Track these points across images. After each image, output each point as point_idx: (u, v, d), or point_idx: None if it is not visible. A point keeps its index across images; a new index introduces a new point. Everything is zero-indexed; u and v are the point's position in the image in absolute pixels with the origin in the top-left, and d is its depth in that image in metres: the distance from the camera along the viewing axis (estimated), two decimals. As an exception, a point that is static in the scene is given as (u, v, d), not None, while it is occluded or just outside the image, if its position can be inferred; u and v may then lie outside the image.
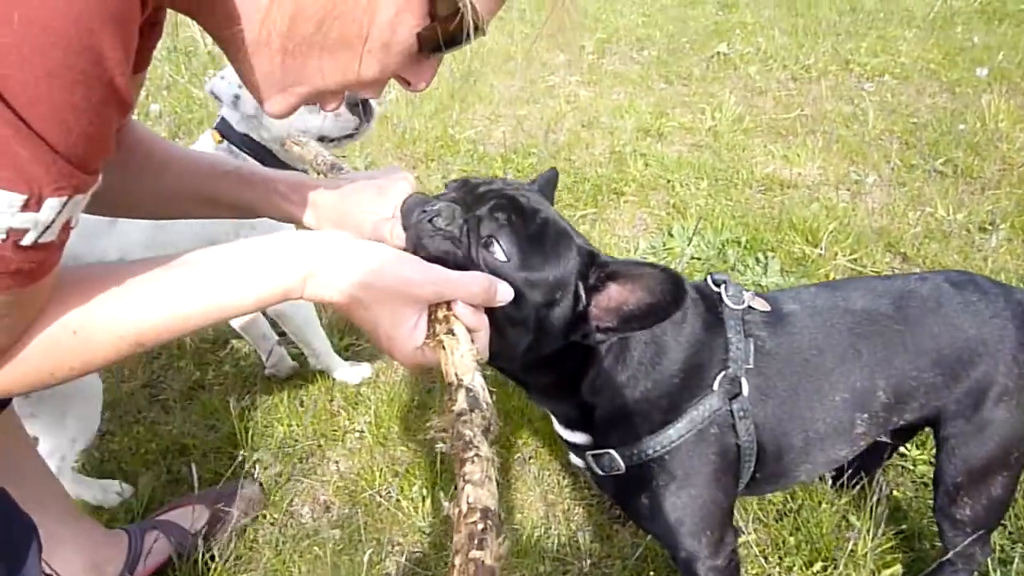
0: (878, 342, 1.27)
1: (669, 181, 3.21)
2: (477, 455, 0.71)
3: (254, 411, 2.01)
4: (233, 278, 0.82)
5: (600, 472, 1.24)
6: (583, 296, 1.05)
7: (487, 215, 1.00)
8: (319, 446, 1.91)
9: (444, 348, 0.85)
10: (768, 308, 1.29)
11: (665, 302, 0.99)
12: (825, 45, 5.07)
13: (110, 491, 1.78)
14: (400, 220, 1.04)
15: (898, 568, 1.57)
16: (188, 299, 0.81)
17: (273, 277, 0.83)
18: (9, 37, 0.53)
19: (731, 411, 1.19)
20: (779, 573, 1.57)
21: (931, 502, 1.68)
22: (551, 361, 1.12)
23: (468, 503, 0.65)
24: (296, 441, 1.91)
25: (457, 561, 0.61)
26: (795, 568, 1.57)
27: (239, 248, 0.85)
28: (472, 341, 0.88)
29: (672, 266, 2.57)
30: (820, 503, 1.69)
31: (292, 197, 1.15)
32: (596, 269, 1.06)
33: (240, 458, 1.83)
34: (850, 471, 1.66)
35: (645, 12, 6.03)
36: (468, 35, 0.79)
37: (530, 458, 1.85)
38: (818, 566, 1.56)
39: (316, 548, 1.62)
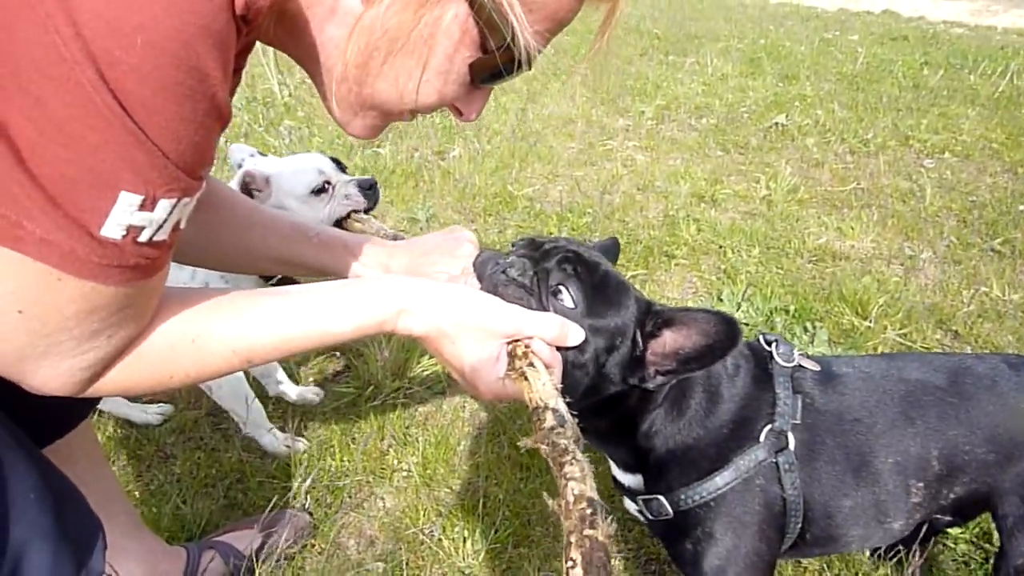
0: (931, 412, 1.29)
1: (721, 247, 3.26)
2: (574, 458, 0.82)
3: (310, 444, 2.11)
4: (336, 308, 0.94)
5: (650, 516, 1.31)
6: (640, 342, 1.14)
7: (555, 267, 1.11)
8: (368, 482, 1.99)
9: (527, 379, 0.95)
10: (817, 367, 1.34)
11: (720, 342, 1.07)
12: (885, 120, 5.10)
13: (151, 412, 2.18)
14: (471, 276, 1.15)
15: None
16: (296, 323, 0.92)
17: (371, 311, 0.94)
18: (133, 58, 0.62)
19: (776, 464, 1.24)
20: (812, 641, 1.58)
21: (971, 582, 1.68)
22: (610, 405, 1.21)
23: (574, 494, 0.76)
24: (346, 476, 2.00)
25: (573, 539, 0.72)
26: (828, 637, 1.57)
27: (341, 284, 0.97)
28: (551, 374, 0.98)
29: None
30: (857, 574, 1.69)
31: (367, 260, 1.28)
32: (652, 317, 1.15)
33: (293, 488, 1.92)
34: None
35: (706, 82, 6.16)
36: (519, 65, 0.88)
37: (569, 508, 1.89)
38: (852, 637, 1.56)
39: (359, 579, 1.70)
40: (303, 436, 2.15)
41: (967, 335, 2.60)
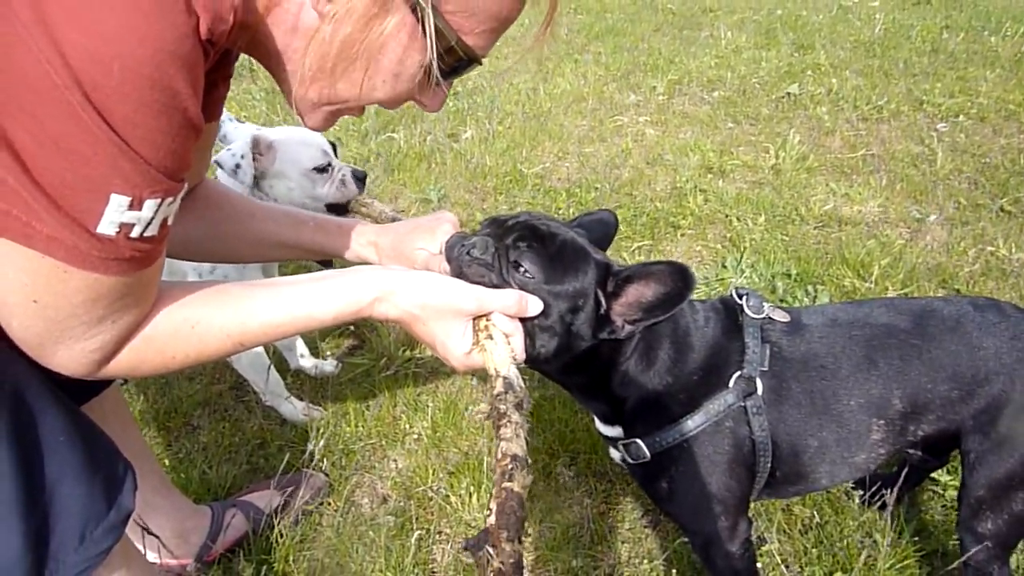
0: (894, 354, 1.37)
1: (727, 216, 3.31)
2: (508, 421, 0.95)
3: (325, 413, 2.23)
4: (318, 297, 1.07)
5: (630, 460, 1.41)
6: (603, 301, 1.24)
7: (512, 244, 1.22)
8: (380, 445, 2.10)
9: (485, 350, 1.08)
10: (787, 318, 1.42)
11: (678, 288, 1.18)
12: (900, 86, 5.06)
13: None
14: (445, 255, 1.27)
15: (916, 582, 1.63)
16: (283, 310, 1.06)
17: (349, 299, 1.07)
18: (113, 82, 0.74)
19: (745, 407, 1.33)
20: (798, 580, 1.65)
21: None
22: (584, 362, 1.31)
23: (502, 452, 0.90)
24: (360, 440, 2.11)
25: (495, 491, 0.85)
26: (814, 576, 1.65)
27: (324, 275, 1.11)
28: (508, 343, 1.11)
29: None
30: (846, 519, 1.76)
31: (359, 240, 1.43)
32: (612, 276, 1.25)
33: (310, 452, 2.04)
34: (874, 488, 1.73)
35: (719, 54, 6.14)
36: (468, 63, 1.01)
37: (570, 464, 1.99)
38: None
39: (372, 533, 1.81)
40: (320, 405, 2.27)
41: (969, 293, 2.62)
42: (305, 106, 1.06)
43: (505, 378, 1.03)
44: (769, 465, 1.37)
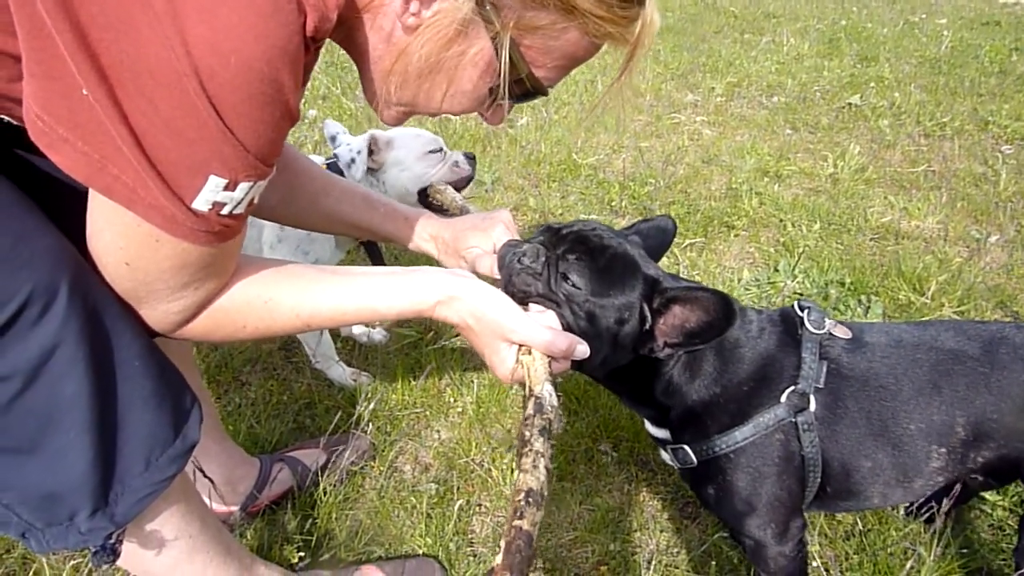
0: (961, 381, 1.31)
1: (781, 220, 3.28)
2: (530, 450, 0.96)
3: (373, 379, 2.26)
4: (385, 292, 1.12)
5: (678, 465, 1.41)
6: (648, 316, 1.25)
7: (562, 255, 1.24)
8: (425, 415, 2.13)
9: (523, 366, 1.11)
10: (849, 335, 1.39)
11: (719, 320, 1.18)
12: (965, 104, 4.96)
13: None
14: (497, 261, 1.31)
15: (960, 598, 1.60)
16: (351, 300, 1.11)
17: (414, 298, 1.13)
18: (228, 73, 0.79)
19: (796, 423, 1.31)
20: (838, 584, 1.64)
21: (1004, 547, 1.71)
22: (628, 371, 1.33)
23: (517, 485, 0.91)
24: (406, 408, 2.14)
25: (505, 528, 0.87)
26: (855, 582, 1.63)
27: (392, 271, 1.16)
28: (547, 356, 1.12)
29: (773, 299, 2.65)
30: (889, 529, 1.74)
31: (421, 234, 1.50)
32: (659, 294, 1.25)
33: (356, 415, 2.07)
34: (921, 500, 1.70)
35: (780, 60, 6.07)
36: (529, 95, 1.10)
37: (613, 448, 2.00)
38: (879, 583, 1.62)
39: (413, 499, 1.83)
40: (367, 372, 2.30)
41: (1028, 316, 2.57)
42: (382, 102, 1.12)
43: (537, 398, 1.03)
44: (819, 481, 1.35)
